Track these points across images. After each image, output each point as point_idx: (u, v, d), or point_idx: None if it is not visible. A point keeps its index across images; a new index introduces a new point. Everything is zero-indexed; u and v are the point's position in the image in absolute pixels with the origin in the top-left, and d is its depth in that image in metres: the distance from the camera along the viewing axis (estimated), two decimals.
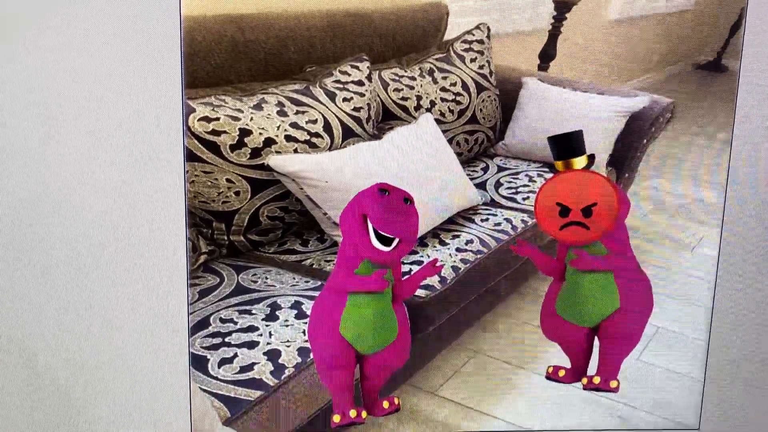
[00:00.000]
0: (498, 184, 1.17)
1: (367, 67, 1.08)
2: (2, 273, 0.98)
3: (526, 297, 1.12)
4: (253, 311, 1.00)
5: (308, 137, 1.03)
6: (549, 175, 1.13)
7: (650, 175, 1.13)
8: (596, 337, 1.00)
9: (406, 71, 1.12)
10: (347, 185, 1.00)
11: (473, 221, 1.13)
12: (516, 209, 1.15)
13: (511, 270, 1.11)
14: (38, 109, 0.94)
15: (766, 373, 1.10)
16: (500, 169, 1.19)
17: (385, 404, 0.98)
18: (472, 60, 1.15)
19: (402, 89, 1.11)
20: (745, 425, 1.11)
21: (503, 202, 1.16)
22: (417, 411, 1.06)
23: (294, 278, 1.05)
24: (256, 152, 1.00)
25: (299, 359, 0.95)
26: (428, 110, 1.12)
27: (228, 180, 1.01)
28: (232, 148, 0.99)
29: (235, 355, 0.95)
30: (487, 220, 1.13)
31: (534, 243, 1.08)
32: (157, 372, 1.01)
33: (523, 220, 1.13)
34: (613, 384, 1.01)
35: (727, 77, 1.04)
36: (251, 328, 0.98)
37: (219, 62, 0.99)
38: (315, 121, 1.04)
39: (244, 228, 1.05)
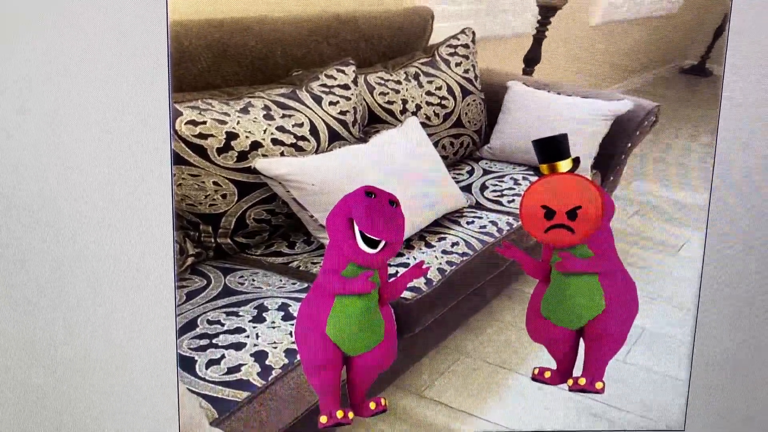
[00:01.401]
0: (483, 187, 1.18)
1: (353, 71, 1.09)
2: None
3: (512, 299, 1.12)
4: (240, 313, 1.00)
5: (295, 141, 1.04)
6: (534, 178, 1.14)
7: (635, 177, 1.13)
8: (582, 339, 1.01)
9: (391, 75, 1.12)
10: (333, 188, 1.01)
11: (459, 224, 1.13)
12: (501, 212, 1.15)
13: (497, 272, 1.11)
14: (24, 113, 0.94)
15: (750, 375, 1.10)
16: (485, 172, 1.20)
17: (372, 405, 0.98)
18: (458, 64, 1.16)
19: (388, 93, 1.11)
20: (730, 426, 1.12)
21: (489, 204, 1.16)
22: (403, 412, 1.06)
23: (281, 280, 1.05)
24: (242, 155, 1.01)
25: (286, 360, 0.96)
26: (414, 114, 1.12)
27: (215, 183, 1.01)
28: (219, 151, 1.00)
29: (223, 357, 0.95)
30: (472, 222, 1.14)
31: (519, 245, 1.08)
32: (145, 373, 1.01)
33: (508, 223, 1.13)
34: (599, 385, 1.01)
35: (711, 81, 1.04)
36: (238, 330, 0.98)
37: (206, 66, 0.99)
38: (301, 125, 1.05)
39: (231, 230, 1.05)
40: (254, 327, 0.98)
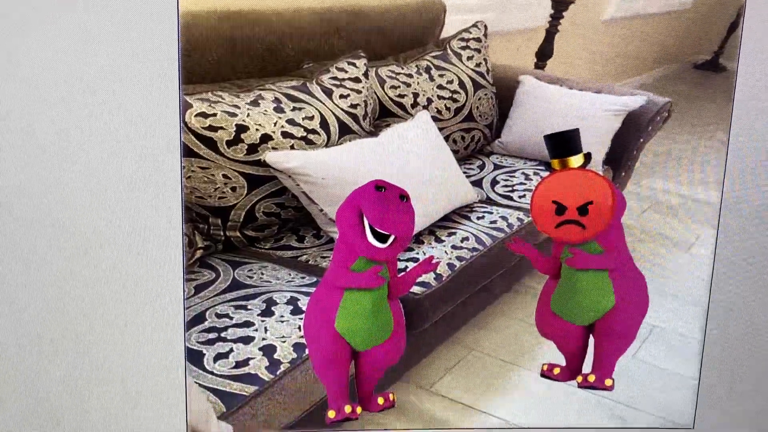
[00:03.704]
0: (494, 182, 1.18)
1: (364, 64, 1.09)
2: None
3: (522, 294, 1.12)
4: (249, 307, 1.00)
5: (305, 134, 1.04)
6: (545, 174, 1.14)
7: (646, 173, 1.13)
8: (591, 335, 1.01)
9: (403, 68, 1.12)
10: (343, 182, 1.01)
11: (469, 219, 1.13)
12: (512, 207, 1.15)
13: (507, 267, 1.11)
14: (35, 104, 0.94)
15: (760, 373, 1.10)
16: (496, 166, 1.20)
17: (380, 400, 0.99)
18: (469, 58, 1.15)
19: (399, 86, 1.11)
20: (739, 424, 1.12)
21: (499, 199, 1.16)
22: (412, 407, 1.07)
23: (290, 274, 1.05)
24: (252, 148, 1.01)
25: (294, 355, 0.96)
26: (425, 108, 1.12)
27: (224, 176, 1.01)
28: (229, 143, 1.00)
29: (231, 350, 0.95)
30: (483, 217, 1.13)
31: (530, 241, 1.08)
32: (153, 366, 1.01)
33: (519, 218, 1.13)
34: (608, 382, 1.01)
35: (725, 77, 1.04)
36: (247, 324, 0.98)
37: (216, 58, 0.99)
38: (312, 118, 1.04)
39: (240, 224, 1.05)
40: (263, 321, 0.98)
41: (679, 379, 1.09)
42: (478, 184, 1.17)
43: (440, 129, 1.12)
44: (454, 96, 1.15)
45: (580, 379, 1.02)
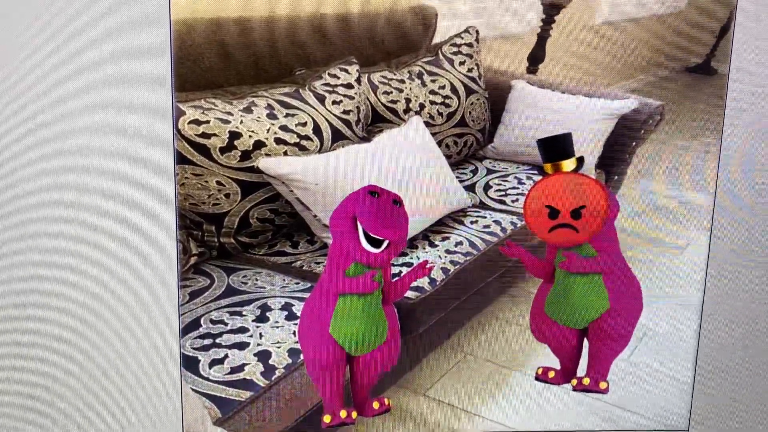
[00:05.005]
0: (487, 187, 1.18)
1: (357, 70, 1.09)
2: None
3: (516, 298, 1.12)
4: (244, 312, 1.00)
5: (298, 140, 1.04)
6: (538, 178, 1.13)
7: (639, 177, 1.13)
8: (586, 338, 1.01)
9: (395, 74, 1.12)
10: (337, 188, 1.01)
11: (462, 223, 1.13)
12: (505, 211, 1.15)
13: (501, 271, 1.11)
14: (28, 112, 0.94)
15: (755, 374, 1.10)
16: (489, 171, 1.20)
17: (376, 405, 0.98)
18: (461, 63, 1.15)
19: (391, 92, 1.11)
20: (734, 426, 1.12)
21: (492, 204, 1.16)
22: (407, 412, 1.07)
23: (284, 280, 1.05)
24: (245, 155, 1.01)
25: (289, 360, 0.96)
26: (417, 113, 1.12)
27: (218, 182, 1.01)
28: (222, 150, 1.00)
29: (226, 356, 0.95)
30: (476, 222, 1.13)
31: (523, 245, 1.08)
32: (148, 372, 1.01)
33: (512, 222, 1.13)
34: (603, 385, 1.01)
35: (717, 80, 1.04)
36: (242, 330, 0.98)
37: (209, 66, 0.99)
38: (305, 124, 1.05)
39: (234, 230, 1.06)
40: (257, 326, 0.98)
41: (673, 381, 1.09)
42: (471, 188, 1.17)
43: (433, 134, 1.12)
44: (447, 101, 1.15)
45: (574, 382, 1.02)
